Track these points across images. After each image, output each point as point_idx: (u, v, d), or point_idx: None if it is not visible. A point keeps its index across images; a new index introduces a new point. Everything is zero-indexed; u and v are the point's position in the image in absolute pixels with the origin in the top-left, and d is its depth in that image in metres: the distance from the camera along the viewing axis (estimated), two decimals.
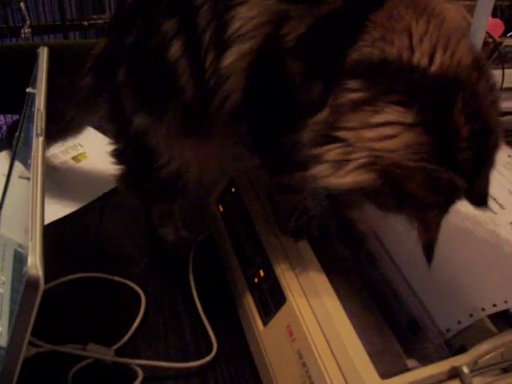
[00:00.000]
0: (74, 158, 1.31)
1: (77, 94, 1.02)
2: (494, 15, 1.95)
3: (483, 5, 1.78)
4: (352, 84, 0.63)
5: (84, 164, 1.30)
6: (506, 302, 0.72)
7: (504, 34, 2.01)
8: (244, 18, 0.68)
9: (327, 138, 0.65)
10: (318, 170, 0.66)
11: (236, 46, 0.69)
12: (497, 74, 1.89)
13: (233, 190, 0.98)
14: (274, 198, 0.88)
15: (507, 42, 1.98)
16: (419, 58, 0.61)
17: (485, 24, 1.81)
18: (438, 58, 0.62)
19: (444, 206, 0.65)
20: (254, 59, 0.70)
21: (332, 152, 0.64)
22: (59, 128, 1.14)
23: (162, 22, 0.75)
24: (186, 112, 0.79)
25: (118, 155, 0.98)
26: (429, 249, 0.64)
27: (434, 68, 0.61)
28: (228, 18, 0.69)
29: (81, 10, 2.42)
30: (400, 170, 0.61)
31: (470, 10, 1.86)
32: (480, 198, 0.68)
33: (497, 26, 1.97)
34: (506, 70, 1.93)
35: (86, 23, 2.13)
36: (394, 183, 0.62)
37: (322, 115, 0.66)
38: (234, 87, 0.72)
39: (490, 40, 1.92)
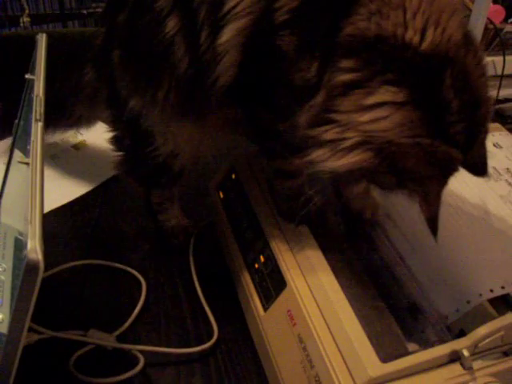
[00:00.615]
0: (73, 146, 1.31)
1: (83, 90, 1.03)
2: (494, 1, 1.94)
3: None
4: (345, 63, 0.63)
5: (84, 152, 1.30)
6: (502, 287, 0.73)
7: (505, 20, 2.00)
8: None
9: (323, 119, 0.65)
10: (316, 154, 0.66)
11: (232, 23, 0.69)
12: (498, 60, 1.89)
13: (233, 176, 0.98)
14: (272, 183, 0.87)
15: (508, 28, 1.96)
16: (411, 35, 0.61)
17: (485, 10, 1.80)
18: (430, 34, 0.61)
19: (442, 178, 0.65)
20: (249, 35, 0.69)
21: (327, 133, 0.64)
22: (69, 123, 1.16)
23: None
24: (180, 88, 0.78)
25: (117, 142, 0.98)
26: (432, 221, 0.65)
27: (424, 45, 0.61)
28: None
29: None
30: (395, 147, 0.61)
31: None
32: (479, 167, 0.69)
33: (497, 12, 1.95)
34: (507, 57, 1.92)
35: (85, 12, 2.12)
36: (390, 161, 0.62)
37: (318, 98, 0.65)
38: (229, 64, 0.72)
39: (491, 26, 1.91)
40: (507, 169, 0.96)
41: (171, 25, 0.74)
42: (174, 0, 0.73)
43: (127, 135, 0.95)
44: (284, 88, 0.70)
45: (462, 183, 0.89)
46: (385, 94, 0.61)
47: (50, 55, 0.81)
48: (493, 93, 2.01)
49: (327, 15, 0.65)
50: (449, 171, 0.66)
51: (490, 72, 1.93)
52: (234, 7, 0.68)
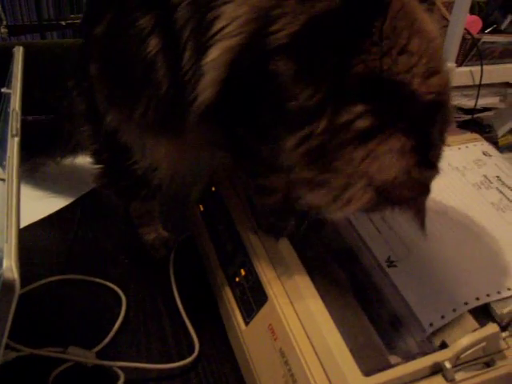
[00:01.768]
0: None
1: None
2: (471, 12, 1.96)
3: (461, 2, 1.80)
4: (359, 108, 0.63)
5: (63, 165, 1.28)
6: (488, 295, 0.73)
7: (482, 31, 2.02)
8: (229, 18, 0.67)
9: (324, 164, 0.67)
10: (312, 198, 0.70)
11: (220, 43, 0.68)
12: (475, 70, 1.91)
13: (213, 189, 0.98)
14: (253, 199, 0.87)
15: (485, 38, 1.99)
16: (418, 83, 0.64)
17: (463, 21, 1.83)
18: (434, 84, 0.65)
19: (427, 191, 0.70)
20: (237, 54, 0.68)
21: (331, 180, 0.67)
22: (69, 148, 1.16)
23: (138, 17, 0.73)
24: (159, 108, 0.78)
25: (96, 155, 0.97)
26: (422, 222, 0.70)
27: (429, 97, 0.65)
28: (211, 17, 0.68)
29: (58, 9, 2.39)
30: (395, 185, 0.66)
31: (448, 6, 1.88)
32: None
33: (475, 23, 1.98)
34: (485, 67, 1.95)
35: (63, 23, 2.10)
36: (389, 196, 0.67)
37: (317, 128, 0.65)
38: (212, 81, 0.71)
39: (469, 37, 1.93)
40: (497, 177, 0.96)
41: (153, 44, 0.73)
42: (155, 20, 0.73)
43: (106, 149, 0.94)
44: (272, 112, 0.69)
45: (452, 192, 0.91)
46: (396, 143, 0.64)
47: (36, 70, 0.80)
48: (471, 102, 2.03)
49: (335, 47, 0.64)
50: (430, 184, 0.70)
51: (468, 82, 1.96)
52: (223, 28, 0.67)
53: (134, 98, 0.79)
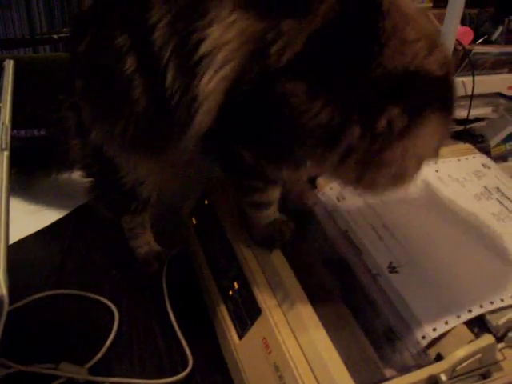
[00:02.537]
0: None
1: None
2: (463, 23, 1.97)
3: (452, 13, 1.80)
4: (394, 110, 0.65)
5: (54, 179, 1.27)
6: (481, 306, 0.73)
7: (473, 41, 2.03)
8: (217, 42, 0.66)
9: (371, 162, 0.69)
10: (365, 188, 0.75)
11: (213, 70, 0.67)
12: (467, 80, 1.92)
13: (206, 202, 0.98)
14: (246, 213, 0.87)
15: (477, 49, 2.00)
16: (430, 63, 0.66)
17: (454, 32, 1.83)
18: (439, 56, 0.68)
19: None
20: (234, 81, 0.67)
21: (384, 173, 0.71)
22: (64, 164, 1.15)
23: (116, 36, 0.73)
24: (139, 124, 0.78)
25: (86, 168, 0.97)
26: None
27: (441, 71, 0.68)
28: (195, 39, 0.67)
29: (51, 23, 2.40)
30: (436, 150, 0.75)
31: (440, 17, 1.88)
32: None
33: (466, 34, 1.98)
34: (476, 77, 1.95)
35: (55, 37, 2.11)
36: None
37: (353, 140, 0.66)
38: (211, 109, 0.70)
39: (460, 47, 1.94)
40: (497, 188, 0.97)
41: (130, 62, 0.73)
42: (132, 40, 0.73)
43: (95, 163, 0.94)
44: (287, 133, 0.69)
45: (453, 203, 0.91)
46: (434, 121, 0.69)
47: (28, 84, 0.80)
48: (463, 113, 2.04)
49: (346, 58, 0.64)
50: None
51: (461, 92, 1.96)
52: (211, 52, 0.66)
53: (114, 115, 0.80)
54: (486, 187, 0.97)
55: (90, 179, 0.97)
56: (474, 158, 1.05)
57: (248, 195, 0.83)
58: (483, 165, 1.03)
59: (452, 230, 0.87)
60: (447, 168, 1.00)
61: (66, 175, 1.21)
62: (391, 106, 0.65)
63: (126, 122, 0.78)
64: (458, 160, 1.04)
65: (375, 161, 0.69)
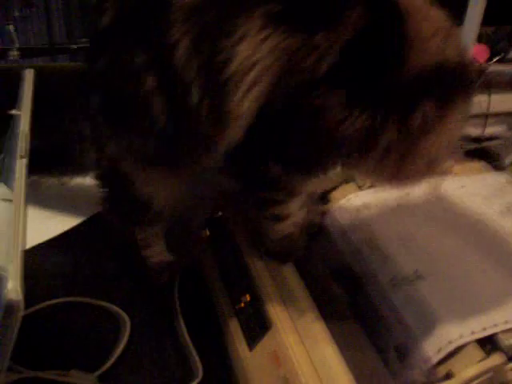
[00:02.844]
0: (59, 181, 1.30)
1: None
2: (479, 41, 1.97)
3: (469, 31, 1.80)
4: (427, 106, 0.68)
5: (69, 187, 1.28)
6: (484, 328, 0.72)
7: (489, 60, 2.03)
8: (246, 62, 0.66)
9: (408, 155, 0.72)
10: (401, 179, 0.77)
11: (245, 88, 0.67)
12: (482, 99, 1.91)
13: (219, 214, 0.98)
14: (259, 224, 0.88)
15: (493, 67, 1.99)
16: (454, 53, 0.69)
17: (470, 50, 1.83)
18: (455, 45, 0.70)
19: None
20: (267, 99, 0.68)
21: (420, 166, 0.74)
22: (77, 171, 1.18)
23: (135, 54, 0.72)
24: (158, 141, 0.77)
25: (101, 179, 0.97)
26: None
27: (458, 58, 0.70)
28: (222, 59, 0.66)
29: (70, 32, 2.42)
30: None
31: None
32: None
33: (482, 52, 1.98)
34: (492, 96, 1.95)
35: (74, 46, 2.12)
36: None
37: (390, 139, 0.69)
38: (242, 127, 0.71)
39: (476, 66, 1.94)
40: None
41: (149, 81, 0.72)
42: (152, 58, 0.72)
43: (109, 175, 0.94)
44: (320, 143, 0.71)
45: (476, 218, 0.92)
46: (462, 106, 0.71)
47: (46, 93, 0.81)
48: (478, 131, 2.03)
49: (380, 62, 0.66)
50: None
51: (476, 110, 1.96)
52: (240, 71, 0.66)
53: (132, 132, 0.79)
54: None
55: (104, 189, 0.98)
56: (496, 174, 1.06)
57: (268, 208, 0.84)
58: (508, 181, 1.03)
59: (473, 246, 0.86)
60: (472, 183, 1.02)
61: (79, 180, 1.22)
62: (425, 100, 0.68)
63: (144, 139, 0.78)
64: (482, 177, 1.06)
65: (412, 154, 0.72)
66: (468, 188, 1.00)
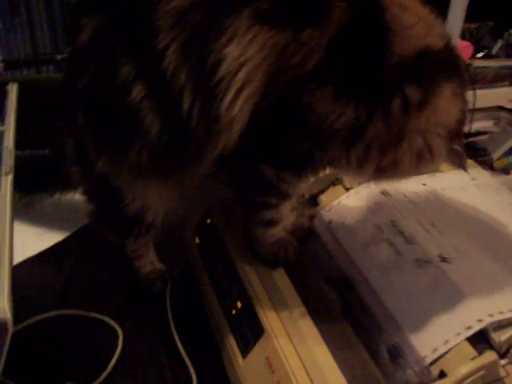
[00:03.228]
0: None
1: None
2: (462, 37, 1.98)
3: (452, 27, 1.81)
4: (408, 89, 0.69)
5: (58, 199, 1.28)
6: (480, 320, 0.72)
7: (473, 56, 2.04)
8: (237, 61, 0.66)
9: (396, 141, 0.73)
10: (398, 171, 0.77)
11: (235, 90, 0.68)
12: (468, 95, 1.92)
13: (208, 221, 0.98)
14: (252, 232, 0.87)
15: (477, 63, 2.00)
16: (432, 39, 0.70)
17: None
18: (438, 32, 0.72)
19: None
20: (260, 99, 0.69)
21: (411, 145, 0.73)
22: (68, 184, 1.14)
23: (121, 65, 0.72)
24: (152, 151, 0.77)
25: (88, 194, 0.97)
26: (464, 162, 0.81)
27: (442, 43, 0.72)
28: (213, 61, 0.67)
29: (55, 43, 2.41)
30: (458, 125, 0.75)
31: None
32: None
33: (466, 48, 1.99)
34: (478, 91, 1.95)
35: (59, 57, 2.11)
36: (455, 134, 0.76)
37: (378, 127, 0.70)
38: (237, 130, 0.72)
39: None
40: None
41: (137, 90, 0.72)
42: (139, 67, 0.72)
43: (98, 190, 0.94)
44: (310, 138, 0.72)
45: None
46: (447, 91, 0.71)
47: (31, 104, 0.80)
48: (465, 127, 2.05)
49: (365, 54, 0.68)
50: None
51: None
52: (231, 72, 0.67)
53: (124, 145, 0.79)
54: None
55: (93, 205, 0.97)
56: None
57: (260, 212, 0.84)
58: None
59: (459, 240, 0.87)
60: (481, 176, 1.05)
61: (69, 195, 1.21)
62: (405, 85, 0.69)
63: (137, 152, 0.78)
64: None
65: (395, 140, 0.72)
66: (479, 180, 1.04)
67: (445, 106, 0.72)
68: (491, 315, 0.72)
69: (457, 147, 0.77)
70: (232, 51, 0.66)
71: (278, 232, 0.87)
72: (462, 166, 0.81)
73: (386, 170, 0.76)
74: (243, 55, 0.66)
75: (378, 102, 0.69)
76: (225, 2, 0.67)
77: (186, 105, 0.70)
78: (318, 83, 0.67)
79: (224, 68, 0.67)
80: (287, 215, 0.86)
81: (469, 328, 0.71)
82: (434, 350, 0.71)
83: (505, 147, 2.30)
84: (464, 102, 0.76)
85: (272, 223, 0.85)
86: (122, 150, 0.79)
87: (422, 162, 0.76)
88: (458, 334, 0.71)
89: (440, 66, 0.71)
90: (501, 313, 0.73)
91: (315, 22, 0.66)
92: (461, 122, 0.76)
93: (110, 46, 0.74)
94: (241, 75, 0.67)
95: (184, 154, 0.77)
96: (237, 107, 0.69)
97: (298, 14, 0.67)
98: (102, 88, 0.76)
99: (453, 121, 0.74)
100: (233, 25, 0.66)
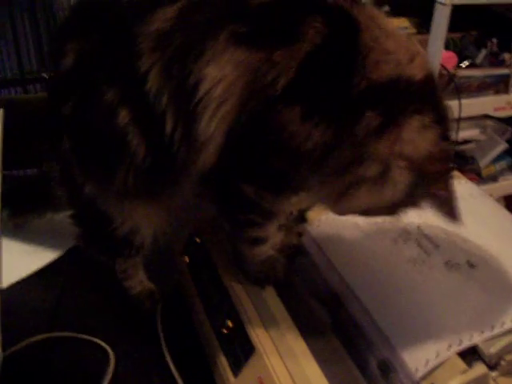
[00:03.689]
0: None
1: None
2: (446, 48, 2.00)
3: (436, 38, 1.84)
4: (371, 113, 0.67)
5: (47, 220, 1.28)
6: (471, 336, 0.73)
7: (458, 66, 2.06)
8: (214, 79, 0.67)
9: (358, 160, 0.70)
10: (360, 198, 0.73)
11: (211, 109, 0.68)
12: (454, 104, 1.94)
13: (197, 240, 0.98)
14: (240, 251, 0.88)
15: (461, 73, 2.03)
16: (410, 69, 0.69)
17: (438, 57, 1.86)
18: (419, 63, 0.70)
19: (451, 171, 0.75)
20: (235, 117, 0.69)
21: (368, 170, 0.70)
22: (56, 209, 1.15)
23: (105, 91, 0.73)
24: (138, 175, 0.78)
25: (75, 219, 0.97)
26: (454, 209, 0.73)
27: (421, 75, 0.70)
28: (193, 81, 0.68)
29: (41, 61, 2.41)
30: (426, 160, 0.70)
31: (424, 43, 1.91)
32: None
33: (450, 59, 2.01)
34: (463, 100, 1.97)
35: (45, 75, 2.12)
36: (425, 171, 0.71)
37: (344, 152, 0.69)
38: (214, 150, 0.72)
39: (445, 72, 1.96)
40: None
41: (122, 115, 0.73)
42: (122, 92, 0.72)
43: (85, 215, 0.94)
44: (288, 159, 0.72)
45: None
46: (414, 122, 0.68)
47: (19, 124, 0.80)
48: (452, 135, 2.06)
49: (334, 77, 0.68)
50: (451, 164, 0.75)
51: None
52: (209, 91, 0.68)
53: (110, 170, 0.79)
54: None
55: (80, 229, 0.98)
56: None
57: (246, 231, 0.84)
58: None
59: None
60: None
61: (62, 214, 1.21)
62: (369, 109, 0.67)
63: (124, 175, 0.78)
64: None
65: (352, 164, 0.70)
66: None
67: (409, 137, 0.69)
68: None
69: (440, 192, 0.73)
70: (210, 71, 0.67)
71: (265, 250, 0.87)
72: (452, 215, 0.74)
73: (343, 198, 0.74)
74: (219, 74, 0.67)
75: (344, 126, 0.68)
76: (204, 25, 0.68)
77: (168, 127, 0.71)
78: (287, 103, 0.67)
79: (203, 88, 0.68)
80: (274, 234, 0.86)
81: (459, 343, 0.72)
82: (425, 364, 0.71)
83: (492, 155, 2.33)
84: (440, 139, 0.71)
85: (259, 241, 0.85)
86: (109, 174, 0.80)
87: (382, 193, 0.72)
88: (449, 346, 0.72)
89: (410, 97, 0.69)
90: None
91: (289, 42, 0.66)
92: (434, 159, 0.71)
93: (93, 71, 0.75)
94: (217, 94, 0.68)
95: (168, 175, 0.78)
96: (213, 126, 0.70)
97: (273, 34, 0.67)
98: (87, 113, 0.77)
99: (419, 155, 0.69)
100: (211, 47, 0.67)
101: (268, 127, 0.69)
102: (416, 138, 0.69)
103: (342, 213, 0.82)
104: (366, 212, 0.79)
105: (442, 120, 0.71)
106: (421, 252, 0.87)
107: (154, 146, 0.74)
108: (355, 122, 0.67)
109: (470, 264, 0.84)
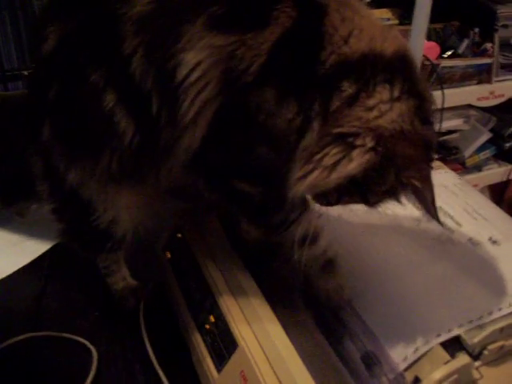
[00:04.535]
0: (18, 213, 1.28)
1: None
2: (429, 38, 2.00)
3: (418, 29, 1.83)
4: (343, 85, 0.67)
5: (29, 218, 1.27)
6: (449, 330, 0.73)
7: (440, 56, 2.06)
8: (191, 64, 0.67)
9: (326, 143, 0.68)
10: (315, 175, 0.69)
11: (192, 94, 0.69)
12: (437, 94, 1.94)
13: (179, 235, 0.97)
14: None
15: (444, 63, 2.03)
16: (381, 44, 0.69)
17: (421, 47, 1.86)
18: (392, 40, 0.70)
19: (428, 161, 0.72)
20: (216, 103, 0.69)
21: (334, 150, 0.68)
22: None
23: (90, 73, 0.72)
24: (124, 158, 0.77)
25: (56, 213, 0.96)
26: (432, 207, 0.70)
27: (391, 49, 0.70)
28: (172, 65, 0.68)
29: (22, 59, 2.39)
30: (396, 137, 0.68)
31: (406, 34, 1.90)
32: None
33: (433, 49, 2.01)
34: (446, 90, 1.98)
35: (26, 73, 2.10)
36: (390, 152, 0.67)
37: (316, 129, 0.68)
38: (197, 134, 0.72)
39: (428, 63, 1.96)
40: None
41: (109, 98, 0.72)
42: (108, 73, 0.72)
43: (67, 207, 0.93)
44: (265, 144, 0.71)
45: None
46: (383, 92, 0.68)
47: None
48: (435, 126, 2.07)
49: (304, 55, 0.68)
50: (431, 153, 0.73)
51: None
52: (188, 75, 0.68)
53: (95, 154, 0.79)
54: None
55: (63, 224, 0.96)
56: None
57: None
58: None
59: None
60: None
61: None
62: (343, 81, 0.67)
63: (109, 158, 0.78)
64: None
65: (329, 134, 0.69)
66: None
67: (378, 106, 0.67)
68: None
69: (413, 182, 0.68)
70: (187, 55, 0.67)
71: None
72: (429, 212, 0.71)
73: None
74: (195, 59, 0.67)
75: (319, 106, 0.68)
76: (182, 8, 0.68)
77: (154, 109, 0.71)
78: (262, 86, 0.67)
79: (181, 73, 0.68)
80: None
81: (441, 334, 0.72)
82: (409, 356, 0.71)
83: (476, 144, 2.34)
84: (415, 117, 0.69)
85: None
86: (94, 158, 0.79)
87: (345, 167, 0.68)
88: (434, 337, 0.72)
89: (381, 67, 0.69)
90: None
91: (260, 25, 0.67)
92: (407, 139, 0.68)
93: (76, 54, 0.74)
94: (194, 79, 0.68)
95: (153, 156, 0.77)
96: (194, 110, 0.70)
97: (245, 19, 0.68)
98: (72, 97, 0.77)
99: (386, 125, 0.67)
100: (189, 31, 0.67)
101: (246, 110, 0.69)
102: (385, 108, 0.68)
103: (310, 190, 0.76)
104: (335, 193, 0.75)
105: (417, 96, 0.69)
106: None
107: (142, 125, 0.74)
108: (328, 95, 0.67)
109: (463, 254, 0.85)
